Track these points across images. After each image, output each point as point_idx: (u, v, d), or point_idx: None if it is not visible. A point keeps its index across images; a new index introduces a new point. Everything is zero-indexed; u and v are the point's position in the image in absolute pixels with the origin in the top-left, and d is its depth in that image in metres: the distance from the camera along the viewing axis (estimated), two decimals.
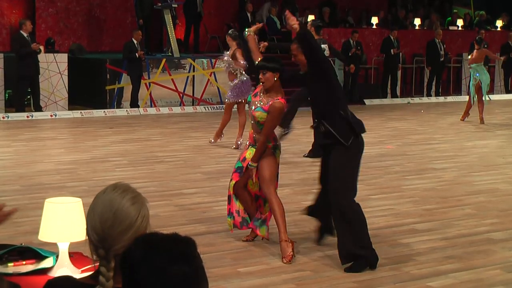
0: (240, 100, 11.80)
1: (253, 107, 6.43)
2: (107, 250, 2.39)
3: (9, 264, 3.94)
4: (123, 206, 2.41)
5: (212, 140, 12.17)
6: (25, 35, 15.30)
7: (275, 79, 6.32)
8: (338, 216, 6.05)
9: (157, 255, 1.99)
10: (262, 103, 6.37)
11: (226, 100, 12.02)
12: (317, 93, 6.20)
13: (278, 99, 6.33)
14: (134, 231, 2.40)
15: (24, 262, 3.98)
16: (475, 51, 15.79)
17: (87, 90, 16.98)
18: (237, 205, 6.70)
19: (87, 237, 2.48)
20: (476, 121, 15.77)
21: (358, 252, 6.00)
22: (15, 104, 15.63)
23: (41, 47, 15.69)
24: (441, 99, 20.77)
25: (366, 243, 6.06)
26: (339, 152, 6.05)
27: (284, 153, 11.02)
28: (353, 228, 6.00)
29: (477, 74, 15.57)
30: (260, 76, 6.36)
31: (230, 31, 12.22)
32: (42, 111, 15.55)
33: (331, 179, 6.07)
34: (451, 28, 23.78)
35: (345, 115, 6.06)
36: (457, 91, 21.94)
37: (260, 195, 6.65)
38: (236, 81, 11.70)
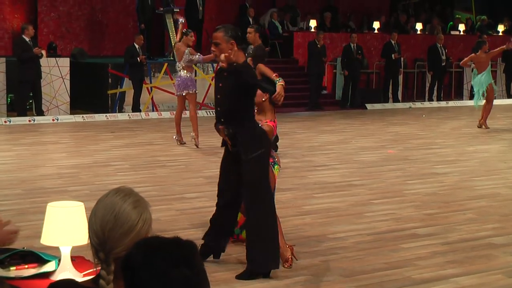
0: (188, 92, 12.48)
1: None
2: (107, 253, 2.40)
3: (11, 268, 3.94)
4: (124, 210, 2.42)
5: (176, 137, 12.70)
6: (27, 39, 15.33)
7: (263, 99, 6.25)
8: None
9: (159, 258, 2.00)
10: None
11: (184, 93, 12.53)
12: (233, 95, 5.87)
13: (267, 122, 6.29)
14: (135, 235, 2.41)
15: (26, 266, 3.98)
16: (476, 55, 15.67)
17: (89, 95, 17.00)
18: None
19: (89, 241, 2.49)
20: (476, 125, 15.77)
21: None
22: (17, 108, 15.65)
23: (43, 52, 15.72)
24: (442, 103, 20.78)
25: None
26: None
27: (285, 157, 11.05)
28: None
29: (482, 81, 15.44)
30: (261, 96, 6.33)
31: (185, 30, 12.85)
32: (44, 115, 15.56)
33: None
34: (452, 32, 23.79)
35: (253, 125, 5.91)
36: (459, 96, 21.94)
37: None
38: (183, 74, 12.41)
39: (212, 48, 5.99)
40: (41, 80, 15.59)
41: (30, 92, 15.62)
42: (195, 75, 17.41)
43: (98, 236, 2.44)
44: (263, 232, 5.83)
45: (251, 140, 5.86)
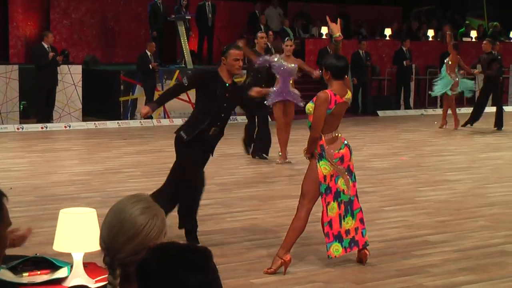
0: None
1: None
2: (112, 258, 2.42)
3: (24, 274, 3.96)
4: (130, 215, 2.43)
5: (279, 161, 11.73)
6: (45, 46, 15.45)
7: (328, 77, 6.46)
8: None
9: (173, 264, 2.00)
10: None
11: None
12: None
13: (326, 90, 6.35)
14: (140, 241, 2.41)
15: (38, 272, 4.00)
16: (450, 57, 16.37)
17: (101, 102, 17.06)
18: (344, 225, 6.43)
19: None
20: (488, 131, 15.71)
21: None
22: (36, 115, 15.70)
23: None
24: None
25: None
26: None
27: (297, 164, 11.04)
28: None
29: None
30: (323, 73, 6.49)
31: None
32: (52, 122, 15.63)
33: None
34: (464, 39, 23.72)
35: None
36: (471, 103, 21.83)
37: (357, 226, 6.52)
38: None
39: None
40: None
41: (45, 99, 15.73)
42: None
43: (105, 241, 2.45)
44: None
45: None
